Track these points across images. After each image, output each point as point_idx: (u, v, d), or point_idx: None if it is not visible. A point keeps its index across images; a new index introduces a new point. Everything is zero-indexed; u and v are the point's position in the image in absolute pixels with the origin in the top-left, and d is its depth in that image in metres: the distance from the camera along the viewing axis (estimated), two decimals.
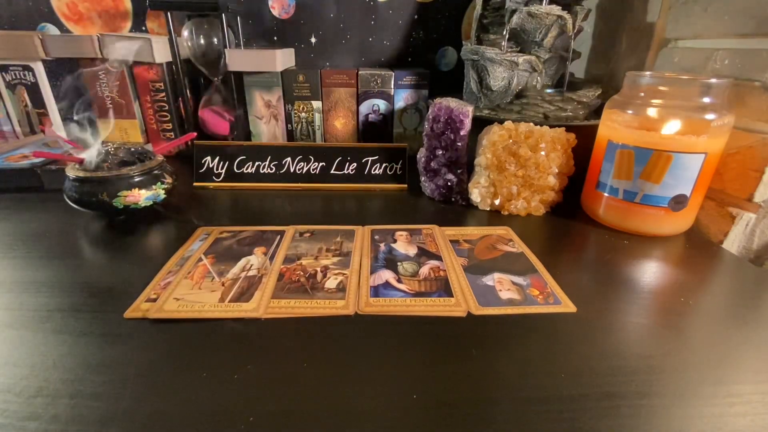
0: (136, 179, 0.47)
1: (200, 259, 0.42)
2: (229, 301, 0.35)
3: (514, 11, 0.58)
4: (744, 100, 0.48)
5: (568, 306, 0.36)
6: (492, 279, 0.40)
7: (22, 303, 0.35)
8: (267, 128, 0.77)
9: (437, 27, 0.80)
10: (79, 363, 0.29)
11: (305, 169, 0.64)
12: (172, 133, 0.76)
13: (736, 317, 0.36)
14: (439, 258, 0.43)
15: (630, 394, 0.28)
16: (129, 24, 0.78)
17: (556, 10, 0.57)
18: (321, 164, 0.64)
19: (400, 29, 0.80)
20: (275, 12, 0.78)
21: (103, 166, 0.47)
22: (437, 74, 0.83)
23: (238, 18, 0.75)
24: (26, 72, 0.72)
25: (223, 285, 0.38)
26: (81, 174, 0.46)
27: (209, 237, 0.46)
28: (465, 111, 0.54)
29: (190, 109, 0.75)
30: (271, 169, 0.64)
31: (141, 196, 0.47)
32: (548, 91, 0.64)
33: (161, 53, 0.71)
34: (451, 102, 0.55)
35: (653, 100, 0.47)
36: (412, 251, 0.45)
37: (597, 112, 0.60)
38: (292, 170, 0.64)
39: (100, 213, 0.50)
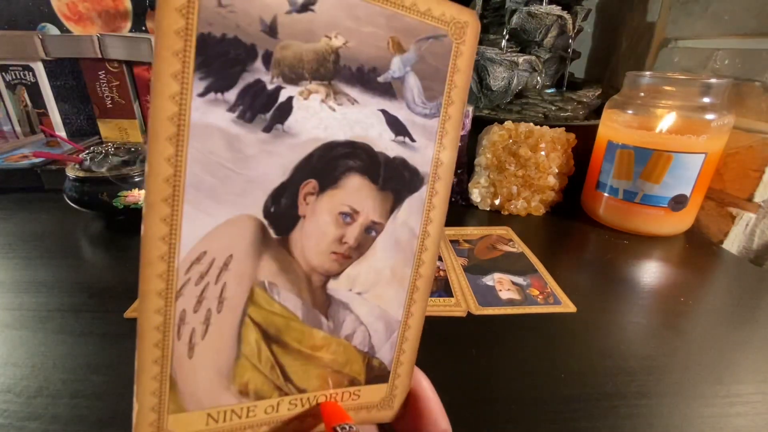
0: (136, 179, 0.47)
1: None
2: None
3: (514, 11, 0.58)
4: (744, 100, 0.48)
5: (568, 306, 0.36)
6: (492, 279, 0.40)
7: (22, 303, 0.35)
8: None
9: None
10: (80, 363, 0.29)
11: None
12: None
13: (736, 317, 0.36)
14: (439, 258, 0.43)
15: (630, 394, 0.28)
16: (129, 24, 0.78)
17: (556, 10, 0.57)
18: None
19: None
20: None
21: (103, 166, 0.47)
22: None
23: None
24: (26, 72, 0.72)
25: None
26: (81, 174, 0.46)
27: None
28: (465, 111, 0.54)
29: None
30: None
31: (141, 196, 0.47)
32: (548, 91, 0.64)
33: None
34: None
35: (653, 100, 0.47)
36: None
37: (597, 112, 0.60)
38: None
39: (100, 213, 0.50)
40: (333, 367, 0.15)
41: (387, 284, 0.15)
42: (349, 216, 0.14)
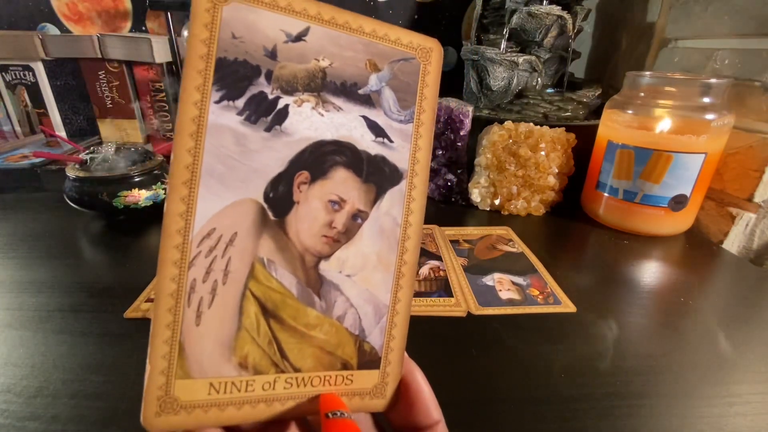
0: (136, 179, 0.47)
1: None
2: None
3: (514, 11, 0.58)
4: (744, 100, 0.48)
5: (568, 306, 0.36)
6: (492, 279, 0.40)
7: (22, 303, 0.35)
8: None
9: (437, 27, 0.80)
10: (79, 363, 0.29)
11: None
12: (172, 133, 0.76)
13: (736, 317, 0.36)
14: (439, 258, 0.43)
15: (630, 394, 0.28)
16: (129, 24, 0.78)
17: (556, 10, 0.57)
18: None
19: None
20: None
21: (103, 166, 0.47)
22: None
23: None
24: (26, 72, 0.72)
25: None
26: (81, 174, 0.46)
27: None
28: (465, 111, 0.54)
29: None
30: None
31: (141, 196, 0.47)
32: (548, 91, 0.64)
33: (161, 53, 0.71)
34: (451, 102, 0.55)
35: (653, 100, 0.47)
36: None
37: (597, 112, 0.60)
38: None
39: (100, 213, 0.50)
40: (326, 348, 0.16)
41: (374, 269, 0.16)
42: (337, 204, 0.16)
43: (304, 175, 0.15)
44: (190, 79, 0.13)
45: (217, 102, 0.14)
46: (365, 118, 0.16)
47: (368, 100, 0.16)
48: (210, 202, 0.14)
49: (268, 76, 0.15)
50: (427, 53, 0.16)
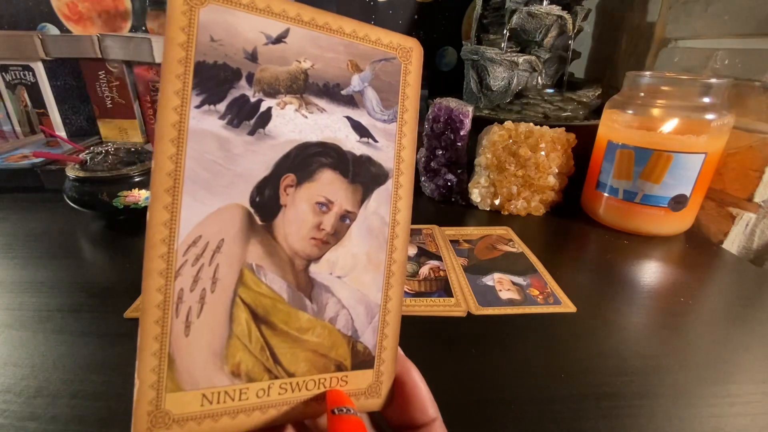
0: (136, 179, 0.47)
1: None
2: None
3: (514, 11, 0.58)
4: (744, 100, 0.48)
5: (568, 306, 0.36)
6: (492, 279, 0.40)
7: (22, 303, 0.35)
8: None
9: (437, 27, 0.80)
10: (79, 363, 0.29)
11: None
12: None
13: (736, 317, 0.36)
14: (438, 258, 0.43)
15: (630, 394, 0.28)
16: (129, 24, 0.78)
17: (556, 10, 0.57)
18: None
19: (400, 29, 0.80)
20: None
21: (103, 166, 0.47)
22: (437, 74, 0.83)
23: None
24: (26, 72, 0.72)
25: None
26: (81, 174, 0.46)
27: None
28: (465, 111, 0.54)
29: None
30: None
31: (141, 196, 0.47)
32: (548, 91, 0.64)
33: (161, 53, 0.71)
34: (451, 102, 0.55)
35: (653, 100, 0.47)
36: (412, 251, 0.45)
37: (597, 112, 0.60)
38: None
39: (100, 213, 0.50)
40: (319, 351, 0.16)
41: (364, 269, 0.16)
42: (324, 205, 0.16)
43: (290, 178, 0.15)
44: (168, 83, 0.13)
45: (198, 107, 0.14)
46: (349, 118, 0.16)
47: (351, 101, 0.16)
48: (194, 210, 0.14)
49: (249, 79, 0.14)
50: (408, 53, 0.17)
